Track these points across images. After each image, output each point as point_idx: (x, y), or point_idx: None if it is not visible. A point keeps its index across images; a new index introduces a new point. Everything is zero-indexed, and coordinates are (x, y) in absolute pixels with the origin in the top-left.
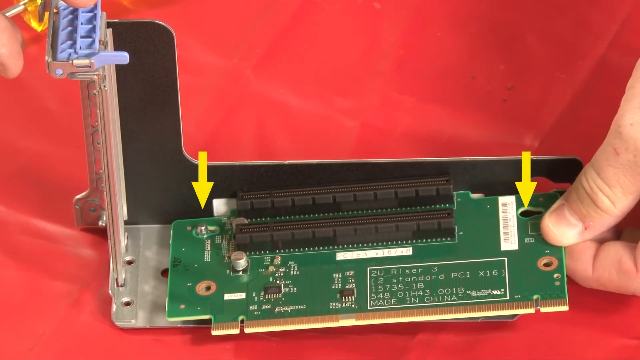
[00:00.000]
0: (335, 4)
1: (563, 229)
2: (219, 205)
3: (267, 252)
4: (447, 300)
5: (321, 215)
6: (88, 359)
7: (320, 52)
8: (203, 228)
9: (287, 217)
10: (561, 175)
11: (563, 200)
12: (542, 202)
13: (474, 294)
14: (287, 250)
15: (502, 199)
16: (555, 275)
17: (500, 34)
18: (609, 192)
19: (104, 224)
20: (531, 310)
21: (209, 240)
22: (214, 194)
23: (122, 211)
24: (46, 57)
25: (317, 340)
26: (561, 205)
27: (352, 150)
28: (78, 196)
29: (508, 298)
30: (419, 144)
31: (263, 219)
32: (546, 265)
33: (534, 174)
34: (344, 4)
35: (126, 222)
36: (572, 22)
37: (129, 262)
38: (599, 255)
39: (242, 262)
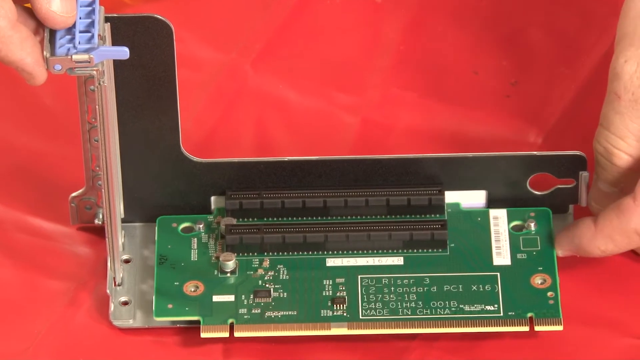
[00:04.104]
0: None
1: (606, 200)
2: (218, 203)
3: (256, 254)
4: (441, 314)
5: (310, 218)
6: (85, 359)
7: (320, 47)
8: (193, 226)
9: (275, 219)
10: (565, 171)
11: (595, 175)
12: (533, 217)
13: (467, 308)
14: (275, 254)
15: (493, 212)
16: (549, 294)
17: (503, 28)
18: (622, 145)
19: (100, 222)
20: (525, 329)
21: (195, 239)
22: (212, 191)
23: (119, 209)
24: (44, 53)
25: (317, 340)
26: (594, 180)
27: (353, 147)
28: (74, 194)
29: (502, 315)
30: (420, 140)
31: (251, 220)
32: (539, 282)
33: (537, 170)
34: None
35: (123, 220)
36: (576, 16)
37: (126, 261)
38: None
39: (231, 264)
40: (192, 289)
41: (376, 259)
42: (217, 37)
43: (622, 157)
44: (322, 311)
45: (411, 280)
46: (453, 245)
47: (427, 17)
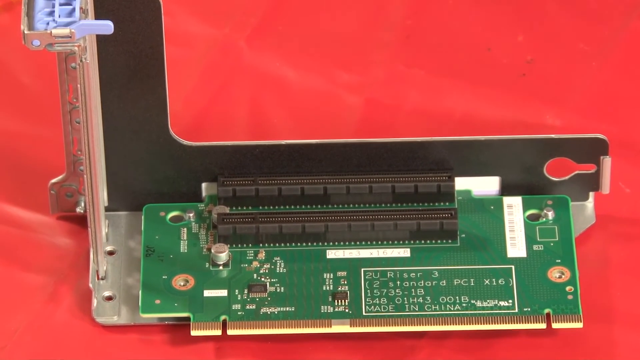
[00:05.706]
0: None
1: None
2: (209, 190)
3: (250, 245)
4: (451, 310)
5: (309, 207)
6: (66, 359)
7: (321, 21)
8: (183, 214)
9: (272, 208)
10: (585, 155)
11: None
12: (550, 205)
13: (479, 304)
14: (272, 245)
15: (507, 200)
16: (567, 288)
17: (518, 1)
18: None
19: (82, 211)
20: (542, 326)
21: (185, 229)
22: (203, 177)
23: (103, 197)
24: (21, 27)
25: (317, 338)
26: None
27: (355, 129)
28: (54, 180)
29: (517, 311)
30: (429, 122)
31: (245, 208)
32: (557, 276)
33: (555, 155)
34: None
35: (107, 209)
36: None
37: (110, 253)
38: None
39: (223, 256)
40: (182, 283)
41: (381, 250)
42: (208, 10)
43: None
44: (322, 307)
45: (418, 274)
46: (464, 235)
47: None
